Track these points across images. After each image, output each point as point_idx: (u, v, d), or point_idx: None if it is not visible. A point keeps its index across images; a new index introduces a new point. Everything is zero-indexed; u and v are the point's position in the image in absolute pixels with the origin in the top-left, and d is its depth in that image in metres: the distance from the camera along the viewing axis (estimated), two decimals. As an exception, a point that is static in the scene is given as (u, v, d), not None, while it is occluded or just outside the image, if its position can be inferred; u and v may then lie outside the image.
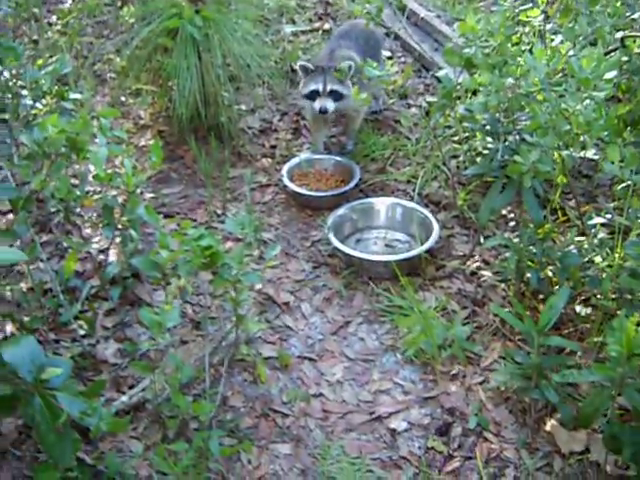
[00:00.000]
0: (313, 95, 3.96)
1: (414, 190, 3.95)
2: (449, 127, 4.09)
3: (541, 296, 3.09)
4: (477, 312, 3.22)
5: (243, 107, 4.63)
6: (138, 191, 3.78)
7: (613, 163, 2.27)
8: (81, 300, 3.08)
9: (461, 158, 4.06)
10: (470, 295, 3.30)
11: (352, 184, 3.91)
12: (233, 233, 3.29)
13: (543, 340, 2.64)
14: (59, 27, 5.14)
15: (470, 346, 3.02)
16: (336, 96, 3.93)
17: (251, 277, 2.68)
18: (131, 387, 2.82)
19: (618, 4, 2.72)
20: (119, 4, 5.06)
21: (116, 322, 3.11)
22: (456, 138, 4.10)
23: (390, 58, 5.16)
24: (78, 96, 3.21)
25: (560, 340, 2.69)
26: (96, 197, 3.22)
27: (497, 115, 2.99)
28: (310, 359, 3.05)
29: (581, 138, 2.41)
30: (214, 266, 2.62)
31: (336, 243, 3.45)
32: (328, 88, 3.91)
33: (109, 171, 2.75)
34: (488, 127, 3.03)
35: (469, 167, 3.91)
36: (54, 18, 5.39)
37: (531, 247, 2.96)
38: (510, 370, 2.75)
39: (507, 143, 2.95)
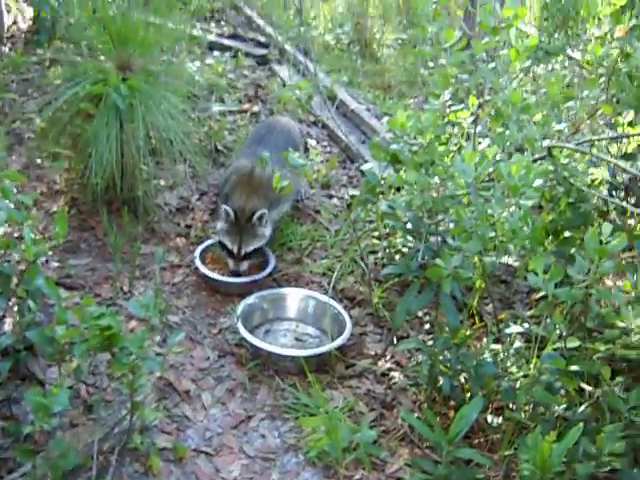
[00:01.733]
0: (227, 251, 3.83)
1: (329, 283, 3.87)
2: (370, 222, 4.04)
3: (452, 403, 3.00)
4: (385, 415, 3.11)
5: (162, 182, 4.50)
6: (43, 259, 3.65)
7: (537, 274, 2.22)
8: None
9: (380, 255, 4.01)
10: (379, 397, 3.19)
11: (265, 272, 3.81)
12: (137, 314, 3.11)
13: (453, 451, 2.54)
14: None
15: (376, 451, 2.89)
16: (251, 254, 3.82)
17: (150, 364, 2.52)
18: (10, 472, 2.57)
19: (545, 113, 2.74)
20: (47, 64, 4.90)
21: (2, 397, 2.86)
22: (376, 233, 4.05)
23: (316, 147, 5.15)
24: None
25: (470, 452, 2.60)
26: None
27: (420, 215, 2.94)
28: (207, 453, 2.87)
29: (505, 245, 2.37)
30: (112, 348, 2.45)
31: (244, 333, 3.31)
32: (242, 252, 3.79)
33: (14, 236, 2.57)
34: (410, 226, 2.97)
35: (387, 265, 3.85)
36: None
37: (446, 352, 2.88)
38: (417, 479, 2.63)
39: (428, 244, 2.89)
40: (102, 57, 3.98)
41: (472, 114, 3.03)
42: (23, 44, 6.10)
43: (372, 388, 3.24)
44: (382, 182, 3.18)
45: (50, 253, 3.82)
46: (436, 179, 2.65)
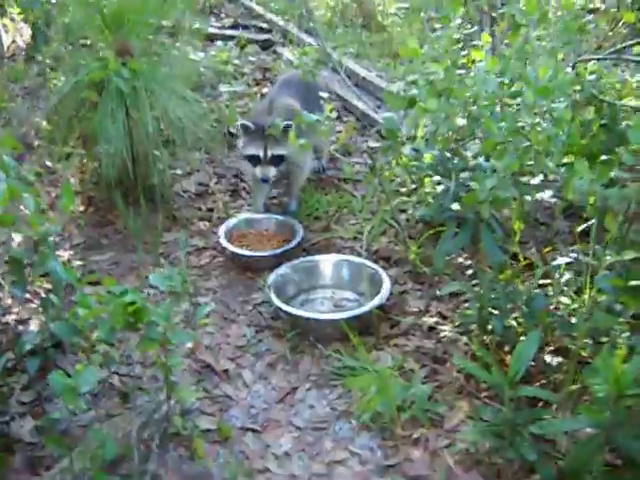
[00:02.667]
0: (253, 160, 3.77)
1: (361, 247, 3.69)
2: (395, 177, 3.86)
3: (506, 348, 2.80)
4: (438, 370, 2.92)
5: (178, 171, 4.35)
6: (65, 258, 3.52)
7: (582, 179, 2.02)
8: (-6, 374, 2.70)
9: (410, 211, 3.82)
10: (429, 352, 3.01)
11: (294, 243, 3.64)
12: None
13: (514, 392, 2.34)
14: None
15: (433, 406, 2.70)
16: (277, 161, 3.74)
17: (181, 335, 2.36)
18: (48, 469, 2.43)
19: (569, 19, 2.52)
20: (47, 70, 4.78)
21: (34, 397, 2.73)
22: (404, 190, 3.86)
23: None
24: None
25: (534, 390, 2.40)
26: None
27: (447, 151, 2.75)
28: (254, 430, 2.70)
29: (542, 159, 2.17)
30: (138, 324, 2.29)
31: (278, 303, 3.14)
32: (269, 154, 3.73)
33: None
34: (438, 167, 2.78)
35: (421, 218, 3.71)
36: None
37: (492, 293, 2.68)
38: (479, 429, 2.44)
39: (460, 180, 2.70)
40: (100, 45, 3.82)
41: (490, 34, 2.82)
42: (24, 60, 6.01)
43: (420, 344, 3.05)
44: (402, 130, 3.01)
45: (72, 252, 3.69)
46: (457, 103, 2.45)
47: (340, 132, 4.73)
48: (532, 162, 2.27)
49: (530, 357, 2.41)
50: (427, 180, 3.25)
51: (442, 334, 3.09)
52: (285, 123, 3.56)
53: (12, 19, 6.69)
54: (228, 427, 2.66)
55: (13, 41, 6.63)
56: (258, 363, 3.03)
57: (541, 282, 2.85)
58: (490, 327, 2.75)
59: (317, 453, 2.61)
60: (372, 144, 4.57)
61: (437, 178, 2.75)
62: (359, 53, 6.52)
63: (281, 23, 7.09)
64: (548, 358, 2.72)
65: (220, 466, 2.53)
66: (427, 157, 2.86)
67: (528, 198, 2.74)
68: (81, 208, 4.05)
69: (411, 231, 3.68)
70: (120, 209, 3.73)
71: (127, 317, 2.29)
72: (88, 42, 3.98)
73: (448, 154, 2.80)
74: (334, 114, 3.36)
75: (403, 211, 3.87)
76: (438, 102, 2.44)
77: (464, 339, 3.02)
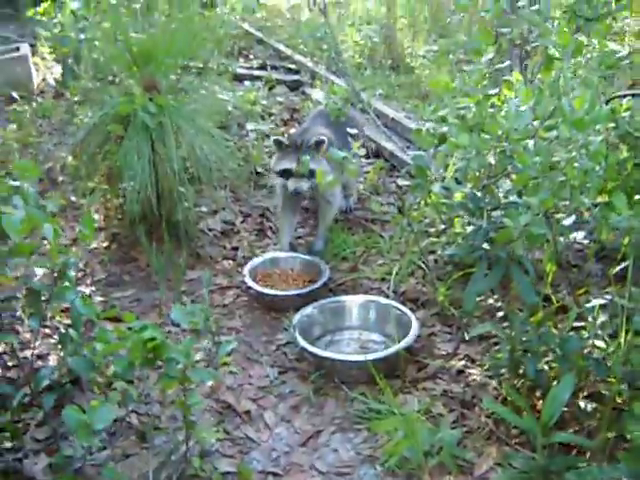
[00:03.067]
0: (286, 174, 3.76)
1: (389, 288, 3.62)
2: (424, 218, 3.78)
3: (538, 393, 2.69)
4: (466, 415, 2.81)
5: (204, 209, 4.31)
6: (86, 292, 3.47)
7: (619, 214, 1.93)
8: (11, 409, 2.63)
9: (439, 252, 3.74)
10: (457, 396, 2.90)
11: (320, 282, 3.57)
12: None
13: (547, 439, 2.24)
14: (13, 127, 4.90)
15: (461, 452, 2.59)
16: (310, 175, 3.65)
17: (201, 374, 2.28)
18: (59, 511, 2.35)
19: (606, 49, 2.45)
20: (76, 106, 4.79)
21: (49, 434, 2.65)
22: (433, 230, 3.79)
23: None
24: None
25: (569, 436, 2.30)
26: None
27: (477, 189, 2.68)
28: (275, 474, 2.61)
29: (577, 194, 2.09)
30: (157, 360, 2.23)
31: (303, 343, 3.06)
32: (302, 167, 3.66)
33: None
34: (468, 205, 2.71)
35: (449, 260, 3.62)
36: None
37: (524, 336, 2.59)
38: (510, 477, 2.33)
39: (492, 219, 2.62)
40: (127, 81, 3.81)
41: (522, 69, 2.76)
42: (52, 97, 6.06)
43: (448, 388, 2.95)
44: (431, 168, 2.95)
45: (93, 288, 3.65)
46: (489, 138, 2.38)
47: (369, 172, 4.70)
48: (566, 201, 2.19)
49: (564, 401, 2.31)
50: (457, 220, 3.19)
51: (471, 378, 3.00)
52: (318, 138, 3.64)
53: (43, 57, 6.78)
54: (249, 470, 2.57)
55: (43, 79, 6.72)
56: (281, 405, 2.95)
57: (575, 325, 2.74)
58: (521, 371, 2.65)
59: (341, 499, 2.51)
60: (401, 183, 4.52)
61: (467, 218, 2.67)
62: (387, 94, 6.50)
63: (309, 64, 7.10)
64: (582, 404, 2.61)
65: (240, 512, 2.44)
66: (457, 195, 2.79)
67: (561, 239, 2.66)
68: (104, 244, 4.01)
69: (439, 272, 3.59)
70: (143, 245, 3.68)
71: (146, 353, 2.23)
72: (116, 79, 3.97)
73: (479, 192, 2.73)
74: (362, 151, 3.32)
75: (432, 252, 3.79)
76: (470, 137, 2.37)
77: (493, 383, 2.92)
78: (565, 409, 2.46)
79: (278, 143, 3.83)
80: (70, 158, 4.27)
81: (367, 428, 2.78)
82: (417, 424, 2.61)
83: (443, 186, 2.89)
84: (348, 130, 3.65)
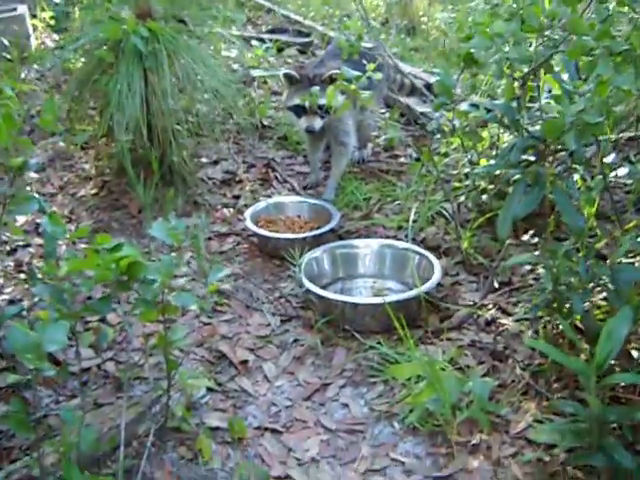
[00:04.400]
0: (298, 110, 3.49)
1: (406, 236, 3.22)
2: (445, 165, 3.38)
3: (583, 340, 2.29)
4: (498, 367, 2.42)
5: (204, 159, 3.93)
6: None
7: None
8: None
9: (462, 198, 3.34)
10: (487, 347, 2.51)
11: (330, 226, 3.18)
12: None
13: (605, 380, 1.83)
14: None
15: (494, 408, 2.19)
16: (324, 112, 3.41)
17: (184, 297, 1.88)
18: (13, 461, 1.96)
19: None
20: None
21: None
22: (456, 172, 3.40)
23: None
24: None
25: (633, 377, 1.88)
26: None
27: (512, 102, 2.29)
28: (274, 430, 2.22)
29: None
30: (133, 281, 1.84)
31: (309, 285, 2.67)
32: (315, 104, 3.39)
33: None
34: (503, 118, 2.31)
35: (473, 206, 3.23)
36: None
37: (570, 267, 2.18)
38: (555, 428, 1.92)
39: (530, 134, 2.22)
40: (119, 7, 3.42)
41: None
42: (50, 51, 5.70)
43: (476, 338, 2.56)
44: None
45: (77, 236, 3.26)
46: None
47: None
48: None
49: (622, 339, 1.89)
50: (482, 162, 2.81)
51: (501, 328, 2.60)
52: (331, 72, 3.33)
53: (43, 20, 6.44)
54: (242, 425, 2.18)
55: (42, 43, 6.37)
56: (283, 355, 2.56)
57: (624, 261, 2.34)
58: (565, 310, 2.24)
59: (351, 460, 2.12)
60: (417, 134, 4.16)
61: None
62: (403, 56, 6.09)
63: (320, 28, 6.71)
64: (635, 354, 2.20)
65: (229, 471, 2.05)
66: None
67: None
68: (93, 191, 3.63)
69: (462, 219, 3.19)
70: (132, 183, 3.29)
71: (119, 274, 1.84)
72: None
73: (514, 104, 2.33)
74: (379, 75, 2.93)
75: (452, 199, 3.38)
76: (507, 24, 1.97)
77: (529, 333, 2.52)
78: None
79: (289, 77, 3.54)
80: (58, 96, 3.88)
81: (383, 381, 2.40)
82: (444, 371, 2.21)
83: (472, 103, 2.50)
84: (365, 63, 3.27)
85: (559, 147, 2.29)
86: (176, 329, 2.02)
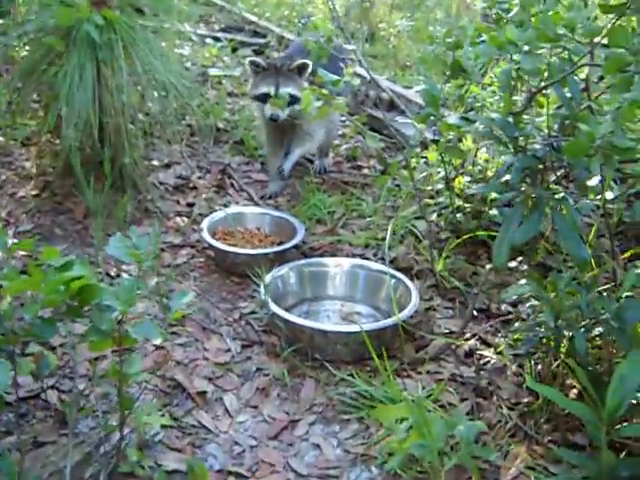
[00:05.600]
0: (264, 98, 3.37)
1: (375, 255, 3.01)
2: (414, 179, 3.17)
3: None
4: (482, 405, 2.22)
5: (155, 162, 3.66)
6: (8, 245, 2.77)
7: None
8: None
9: (434, 216, 3.14)
10: (469, 382, 2.30)
11: (292, 242, 2.94)
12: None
13: (616, 431, 1.64)
14: None
15: (483, 452, 1.98)
16: (290, 100, 3.25)
17: (146, 328, 1.62)
18: None
19: None
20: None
21: None
22: (429, 188, 3.20)
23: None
24: None
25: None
26: None
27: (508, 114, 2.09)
28: (238, 475, 1.96)
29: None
30: (85, 307, 1.57)
31: (276, 309, 2.43)
32: (281, 91, 3.32)
33: None
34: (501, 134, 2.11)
35: (447, 225, 3.03)
36: None
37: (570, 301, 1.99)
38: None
39: (533, 151, 2.02)
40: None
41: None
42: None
43: (457, 372, 2.35)
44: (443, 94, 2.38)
45: (16, 241, 2.95)
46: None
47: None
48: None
49: (635, 387, 1.71)
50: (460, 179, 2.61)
51: (483, 360, 2.40)
52: (301, 61, 3.26)
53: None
54: (203, 468, 1.91)
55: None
56: (245, 386, 2.31)
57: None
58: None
59: (325, 511, 1.88)
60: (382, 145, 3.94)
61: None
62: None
63: (276, 30, 6.47)
64: None
65: (189, 523, 1.79)
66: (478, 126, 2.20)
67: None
68: (34, 192, 3.31)
69: (435, 239, 2.98)
70: (81, 186, 2.99)
71: (69, 298, 1.57)
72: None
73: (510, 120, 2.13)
74: (356, 81, 2.71)
75: (422, 217, 3.18)
76: (520, 31, 1.76)
77: (513, 367, 2.33)
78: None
79: (255, 65, 3.42)
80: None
81: (357, 418, 2.17)
82: (429, 412, 1.99)
83: (462, 116, 2.29)
84: (340, 64, 3.06)
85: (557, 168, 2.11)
86: (131, 360, 1.76)
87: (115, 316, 1.56)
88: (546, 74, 1.91)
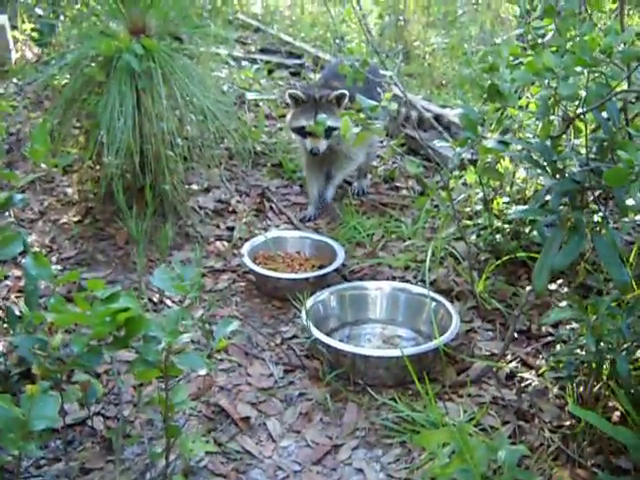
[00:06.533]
0: (303, 132, 3.44)
1: (415, 277, 3.02)
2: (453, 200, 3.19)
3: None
4: (524, 428, 2.21)
5: (194, 186, 3.71)
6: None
7: None
8: None
9: (473, 237, 3.14)
10: (511, 405, 2.29)
11: (333, 266, 2.96)
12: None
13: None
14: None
15: (526, 476, 1.96)
16: (328, 133, 3.36)
17: (191, 360, 1.65)
18: None
19: None
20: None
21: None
22: (468, 210, 3.20)
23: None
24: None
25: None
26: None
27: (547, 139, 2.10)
28: (283, 501, 1.98)
29: None
30: (131, 338, 1.61)
31: (318, 334, 2.45)
32: None
33: None
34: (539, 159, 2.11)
35: (486, 246, 3.03)
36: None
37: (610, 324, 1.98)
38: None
39: (571, 175, 2.03)
40: (111, 21, 3.20)
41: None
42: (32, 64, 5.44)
43: (498, 395, 2.34)
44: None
45: (59, 267, 3.02)
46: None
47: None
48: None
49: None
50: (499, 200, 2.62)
51: (524, 383, 2.39)
52: (339, 92, 3.28)
53: (23, 31, 6.18)
54: (248, 495, 1.94)
55: (22, 56, 6.10)
56: (288, 411, 2.32)
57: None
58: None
59: (370, 536, 1.89)
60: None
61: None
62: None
63: (312, 50, 6.52)
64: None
65: None
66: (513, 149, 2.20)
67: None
68: (76, 219, 3.38)
69: (473, 261, 2.99)
70: (123, 213, 3.05)
71: (116, 329, 1.61)
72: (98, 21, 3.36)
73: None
74: (394, 106, 2.73)
75: (460, 239, 3.18)
76: (555, 57, 1.77)
77: (555, 390, 2.32)
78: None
79: (295, 98, 3.47)
80: (41, 120, 3.64)
81: (400, 442, 2.17)
82: (471, 438, 1.99)
83: (500, 140, 2.30)
84: (374, 80, 3.08)
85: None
86: (177, 389, 1.79)
87: (161, 347, 1.58)
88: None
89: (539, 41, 2.00)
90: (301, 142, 3.52)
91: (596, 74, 1.84)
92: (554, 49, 1.90)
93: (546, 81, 1.92)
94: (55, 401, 1.38)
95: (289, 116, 3.56)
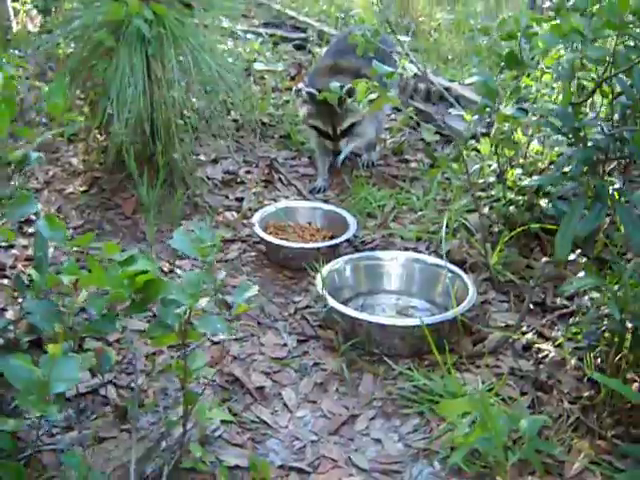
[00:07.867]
0: (322, 134, 3.58)
1: (427, 248, 2.98)
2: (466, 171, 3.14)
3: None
4: (542, 399, 2.18)
5: (202, 157, 3.66)
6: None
7: None
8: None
9: (486, 210, 3.09)
10: (529, 376, 2.26)
11: (349, 234, 2.93)
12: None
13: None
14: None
15: (546, 447, 1.95)
16: (347, 131, 3.53)
17: (212, 323, 1.62)
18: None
19: None
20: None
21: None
22: (481, 181, 3.15)
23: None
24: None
25: None
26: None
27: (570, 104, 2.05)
28: (300, 470, 1.94)
29: None
30: (150, 302, 1.57)
31: (334, 303, 2.41)
32: (339, 130, 3.52)
33: None
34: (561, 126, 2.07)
35: (499, 218, 2.99)
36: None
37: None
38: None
39: (595, 143, 1.99)
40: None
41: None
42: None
43: (516, 365, 2.31)
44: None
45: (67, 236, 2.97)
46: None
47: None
48: None
49: None
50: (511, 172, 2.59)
51: (541, 354, 2.36)
52: (349, 87, 3.12)
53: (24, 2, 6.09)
54: (264, 464, 1.90)
55: (24, 27, 6.01)
56: (303, 381, 2.29)
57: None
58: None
59: (388, 506, 1.86)
60: (429, 139, 3.92)
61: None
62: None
63: (316, 24, 6.45)
64: None
65: (254, 519, 1.78)
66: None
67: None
68: (82, 188, 3.33)
69: (487, 232, 2.95)
70: (133, 177, 3.01)
71: (132, 292, 1.57)
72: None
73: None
74: (410, 72, 2.68)
75: (473, 211, 3.14)
76: (582, 20, 1.73)
77: (573, 361, 2.28)
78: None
79: (311, 96, 3.49)
80: (47, 88, 3.57)
81: (418, 413, 2.14)
82: (493, 407, 1.97)
83: (519, 107, 2.25)
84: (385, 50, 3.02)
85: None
86: (195, 355, 1.75)
87: (181, 310, 1.55)
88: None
89: (565, 3, 1.94)
90: (316, 136, 3.62)
91: (625, 37, 1.79)
92: (580, 12, 1.85)
93: (573, 44, 1.87)
94: (76, 362, 1.34)
95: (305, 110, 3.61)
